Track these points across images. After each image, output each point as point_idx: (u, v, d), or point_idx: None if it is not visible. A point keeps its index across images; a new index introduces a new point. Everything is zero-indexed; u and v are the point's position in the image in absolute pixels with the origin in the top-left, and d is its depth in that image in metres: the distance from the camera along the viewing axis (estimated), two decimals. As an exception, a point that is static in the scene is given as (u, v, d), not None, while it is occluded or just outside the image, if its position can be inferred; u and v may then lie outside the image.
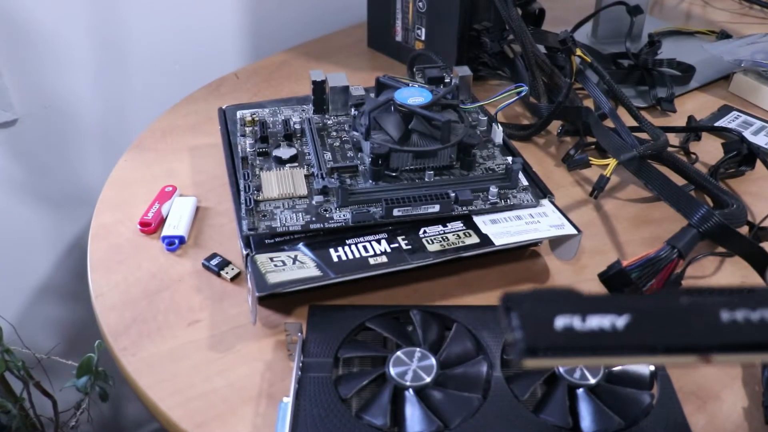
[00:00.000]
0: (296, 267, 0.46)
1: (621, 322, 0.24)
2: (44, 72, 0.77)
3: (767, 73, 0.74)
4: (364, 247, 0.48)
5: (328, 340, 0.42)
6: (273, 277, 0.44)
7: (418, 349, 0.41)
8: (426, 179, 0.52)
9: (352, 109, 0.58)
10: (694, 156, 0.65)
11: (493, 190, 0.51)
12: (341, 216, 0.49)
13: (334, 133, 0.58)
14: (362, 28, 0.86)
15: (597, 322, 0.24)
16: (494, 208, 0.51)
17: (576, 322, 0.24)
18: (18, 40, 0.74)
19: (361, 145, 0.54)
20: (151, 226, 0.55)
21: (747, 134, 0.67)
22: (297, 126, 0.58)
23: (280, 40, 0.90)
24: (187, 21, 0.84)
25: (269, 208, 0.50)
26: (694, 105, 0.74)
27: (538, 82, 0.68)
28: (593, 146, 0.65)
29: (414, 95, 0.53)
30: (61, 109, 0.80)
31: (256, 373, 0.43)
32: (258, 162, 0.54)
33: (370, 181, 0.52)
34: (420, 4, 0.75)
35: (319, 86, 0.60)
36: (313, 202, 0.50)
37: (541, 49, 0.70)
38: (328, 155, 0.55)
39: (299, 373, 0.40)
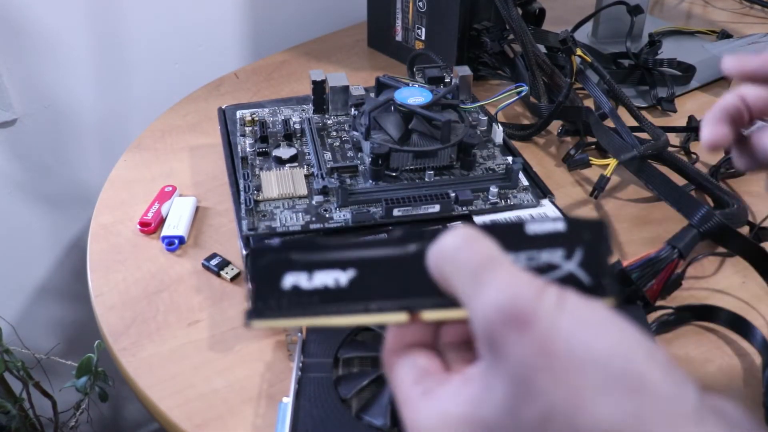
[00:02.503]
0: (296, 267, 0.46)
1: (345, 278, 0.24)
2: (44, 72, 0.77)
3: None
4: (364, 247, 0.48)
5: (328, 340, 0.42)
6: (273, 277, 0.44)
7: (418, 349, 0.40)
8: (426, 179, 0.52)
9: (352, 109, 0.58)
10: (694, 156, 0.65)
11: (494, 190, 0.51)
12: (341, 216, 0.49)
13: (334, 133, 0.58)
14: (362, 28, 0.86)
15: (322, 279, 0.24)
16: (494, 208, 0.51)
17: (303, 280, 0.24)
18: (18, 40, 0.74)
19: (361, 145, 0.54)
20: (151, 226, 0.55)
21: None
22: (297, 126, 0.58)
23: (280, 40, 0.90)
24: (187, 21, 0.84)
25: (269, 208, 0.50)
26: (694, 105, 0.74)
27: (539, 81, 0.68)
28: (593, 146, 0.65)
29: (414, 95, 0.53)
30: (61, 109, 0.80)
31: (256, 374, 0.43)
32: (258, 162, 0.54)
33: (370, 181, 0.52)
34: (420, 3, 0.75)
35: (319, 86, 0.60)
36: (313, 202, 0.50)
37: (542, 48, 0.70)
38: (328, 155, 0.55)
39: (299, 373, 0.40)
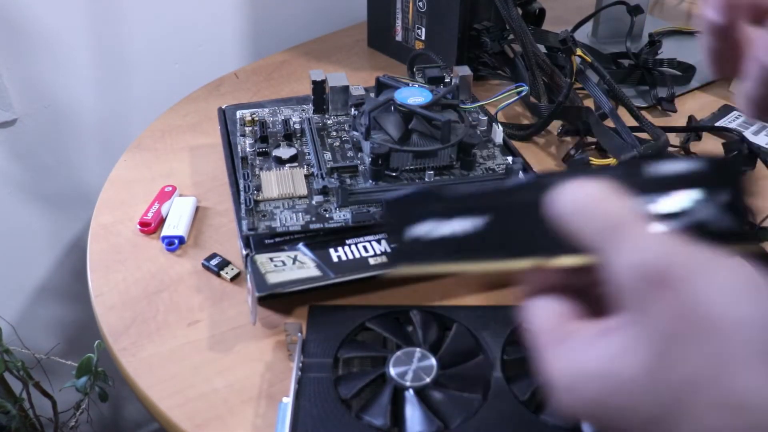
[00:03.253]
0: (296, 267, 0.46)
1: (476, 225, 0.24)
2: (44, 72, 0.77)
3: None
4: (364, 247, 0.48)
5: (328, 340, 0.42)
6: (273, 278, 0.44)
7: (418, 349, 0.40)
8: (426, 179, 0.52)
9: (352, 109, 0.58)
10: (694, 156, 0.65)
11: (494, 190, 0.51)
12: (341, 216, 0.49)
13: (334, 133, 0.58)
14: (362, 28, 0.86)
15: (455, 226, 0.25)
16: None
17: (438, 227, 0.25)
18: (18, 40, 0.74)
19: (361, 145, 0.54)
20: (151, 226, 0.55)
21: (747, 134, 0.67)
22: (297, 126, 0.58)
23: (280, 40, 0.90)
24: (187, 21, 0.84)
25: (269, 208, 0.50)
26: (694, 105, 0.74)
27: (539, 81, 0.68)
28: (593, 146, 0.65)
29: (414, 95, 0.53)
30: (61, 109, 0.80)
31: (256, 374, 0.43)
32: (258, 162, 0.54)
33: (370, 181, 0.52)
34: (420, 3, 0.75)
35: (319, 86, 0.60)
36: (313, 202, 0.50)
37: (542, 48, 0.70)
38: (328, 155, 0.55)
39: (299, 373, 0.39)
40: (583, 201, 0.23)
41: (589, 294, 0.25)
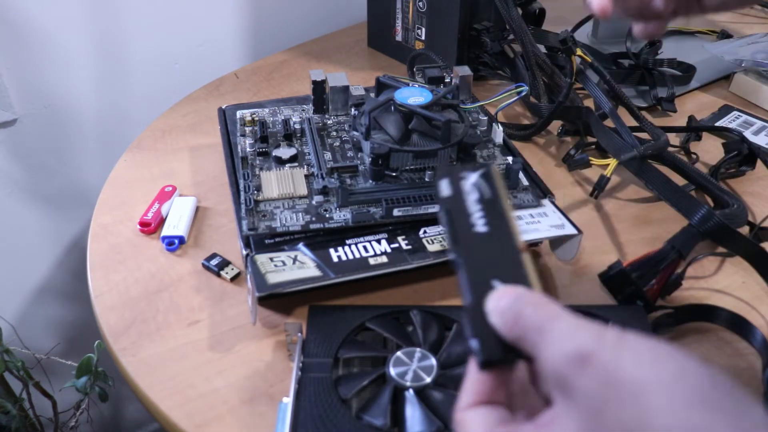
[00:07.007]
0: (296, 267, 0.46)
1: None
2: (44, 72, 0.77)
3: (768, 73, 0.73)
4: (364, 247, 0.48)
5: (328, 340, 0.42)
6: (273, 277, 0.44)
7: (418, 349, 0.40)
8: (426, 179, 0.52)
9: (352, 109, 0.58)
10: (694, 156, 0.65)
11: (494, 190, 0.51)
12: (341, 216, 0.49)
13: (334, 133, 0.58)
14: (362, 28, 0.86)
15: None
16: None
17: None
18: (18, 40, 0.74)
19: (361, 145, 0.54)
20: (151, 226, 0.55)
21: (747, 134, 0.67)
22: (297, 126, 0.58)
23: (280, 40, 0.90)
24: (187, 21, 0.84)
25: (269, 208, 0.50)
26: (694, 105, 0.74)
27: (539, 81, 0.68)
28: (593, 146, 0.65)
29: (414, 95, 0.53)
30: (61, 109, 0.80)
31: (256, 374, 0.43)
32: (258, 162, 0.54)
33: (370, 181, 0.52)
34: (420, 3, 0.75)
35: (319, 86, 0.60)
36: (313, 202, 0.50)
37: (542, 48, 0.70)
38: (328, 155, 0.55)
39: (299, 373, 0.39)
40: (513, 308, 0.26)
41: (516, 404, 0.27)
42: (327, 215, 0.49)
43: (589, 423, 0.23)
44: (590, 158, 0.60)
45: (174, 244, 0.53)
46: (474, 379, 0.27)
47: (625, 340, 0.23)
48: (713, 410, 0.21)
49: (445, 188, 0.31)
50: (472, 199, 0.30)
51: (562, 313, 0.25)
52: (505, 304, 0.26)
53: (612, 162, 0.57)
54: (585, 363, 0.23)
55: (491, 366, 0.26)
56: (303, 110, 0.62)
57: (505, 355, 0.26)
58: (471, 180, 0.31)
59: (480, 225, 0.29)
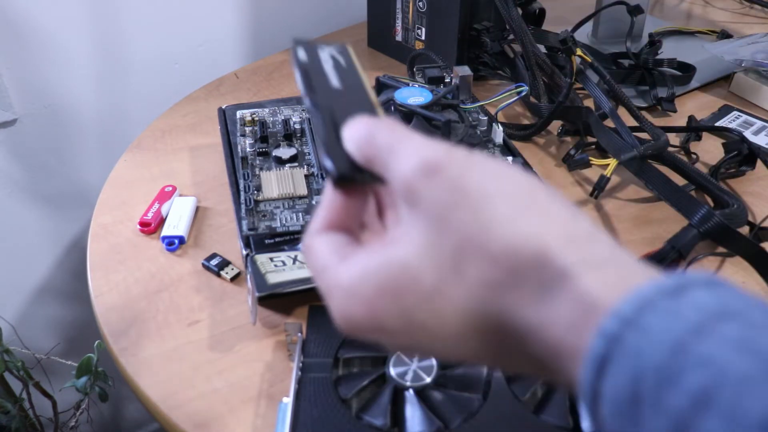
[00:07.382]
0: (296, 267, 0.46)
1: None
2: (44, 72, 0.77)
3: (768, 73, 0.74)
4: (364, 247, 0.48)
5: (328, 340, 0.42)
6: (273, 278, 0.44)
7: (418, 349, 0.40)
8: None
9: (352, 109, 0.58)
10: (694, 156, 0.65)
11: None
12: (341, 216, 0.49)
13: (334, 133, 0.58)
14: (362, 28, 0.86)
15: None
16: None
17: None
18: (18, 40, 0.74)
19: (361, 145, 0.54)
20: (151, 226, 0.55)
21: (747, 134, 0.67)
22: (297, 126, 0.58)
23: (280, 40, 0.90)
24: (187, 21, 0.84)
25: (269, 208, 0.50)
26: (694, 105, 0.74)
27: (539, 82, 0.68)
28: (593, 146, 0.65)
29: (414, 95, 0.53)
30: (61, 109, 0.80)
31: (256, 374, 0.43)
32: (258, 162, 0.54)
33: (370, 181, 0.52)
34: (420, 3, 0.75)
35: (319, 86, 0.60)
36: (313, 202, 0.50)
37: (542, 48, 0.70)
38: (328, 155, 0.55)
39: (299, 373, 0.40)
40: (365, 134, 0.26)
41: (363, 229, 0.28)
42: (327, 215, 0.49)
43: (434, 230, 0.23)
44: (590, 158, 0.60)
45: (174, 244, 0.53)
46: (327, 204, 0.27)
47: (474, 155, 0.24)
48: (548, 216, 0.22)
49: (301, 54, 0.31)
50: (328, 66, 0.30)
51: (415, 135, 0.25)
52: (359, 130, 0.26)
53: (612, 162, 0.57)
54: (433, 172, 0.23)
55: (345, 182, 0.26)
56: (303, 110, 0.62)
57: (359, 173, 0.26)
58: (327, 51, 0.31)
59: (336, 83, 0.29)
